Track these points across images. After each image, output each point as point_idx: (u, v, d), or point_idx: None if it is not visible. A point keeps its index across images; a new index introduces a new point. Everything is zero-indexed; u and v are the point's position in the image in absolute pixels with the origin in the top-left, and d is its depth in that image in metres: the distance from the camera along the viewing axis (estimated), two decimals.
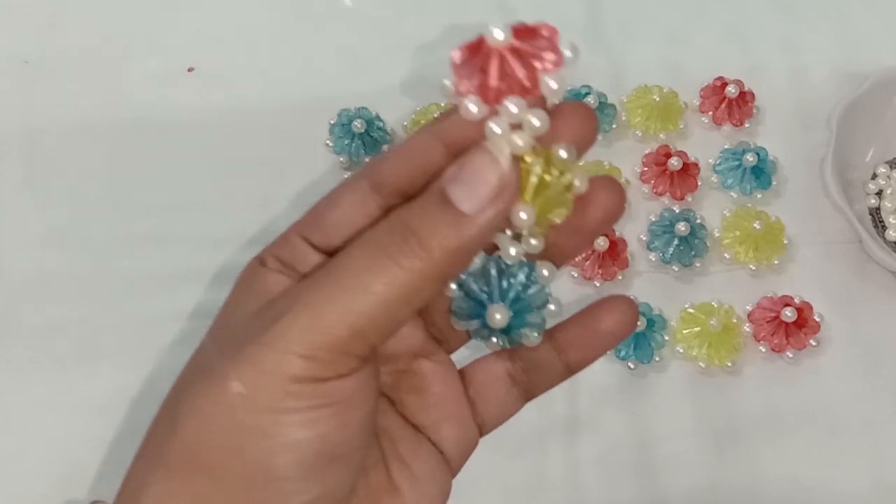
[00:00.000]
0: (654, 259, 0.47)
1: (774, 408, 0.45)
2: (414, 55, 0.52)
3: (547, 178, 0.27)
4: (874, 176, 0.49)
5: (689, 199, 0.48)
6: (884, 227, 0.48)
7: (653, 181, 0.49)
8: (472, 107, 0.26)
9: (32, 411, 0.45)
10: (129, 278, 0.47)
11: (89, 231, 0.48)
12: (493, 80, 0.27)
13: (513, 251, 0.28)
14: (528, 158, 0.26)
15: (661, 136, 0.50)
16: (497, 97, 0.26)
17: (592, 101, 0.49)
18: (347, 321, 0.25)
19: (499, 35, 0.27)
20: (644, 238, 0.48)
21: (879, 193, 0.49)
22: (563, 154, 0.27)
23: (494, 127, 0.26)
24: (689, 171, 0.48)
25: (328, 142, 0.50)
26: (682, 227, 0.46)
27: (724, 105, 0.50)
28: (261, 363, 0.25)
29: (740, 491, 0.43)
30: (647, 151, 0.49)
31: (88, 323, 0.46)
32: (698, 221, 0.47)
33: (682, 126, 0.50)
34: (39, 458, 0.44)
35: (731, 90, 0.49)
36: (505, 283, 0.28)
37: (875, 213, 0.48)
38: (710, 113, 0.50)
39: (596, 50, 0.52)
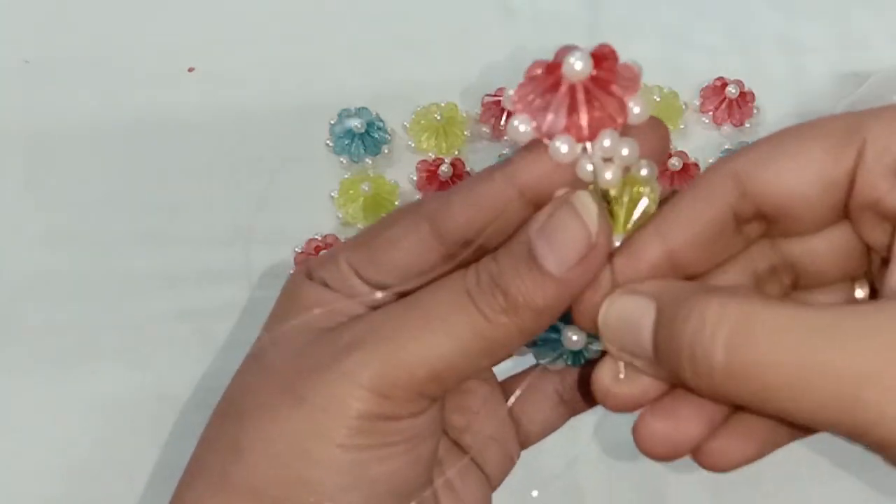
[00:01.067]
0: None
1: None
2: (414, 55, 0.52)
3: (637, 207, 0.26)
4: None
5: None
6: None
7: None
8: (564, 147, 0.25)
9: (32, 411, 0.45)
10: (129, 278, 0.47)
11: (89, 231, 0.48)
12: (585, 117, 0.25)
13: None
14: (613, 192, 0.26)
15: None
16: (592, 134, 0.25)
17: None
18: (429, 363, 0.25)
19: (578, 65, 0.25)
20: None
21: None
22: (644, 172, 0.26)
23: (587, 166, 0.25)
24: (689, 171, 0.48)
25: (328, 142, 0.50)
26: None
27: (724, 105, 0.50)
28: (334, 395, 0.25)
29: (740, 491, 0.43)
30: None
31: (88, 323, 0.46)
32: None
33: (682, 126, 0.50)
34: (39, 458, 0.44)
35: (731, 90, 0.49)
36: None
37: None
38: (711, 113, 0.50)
39: None
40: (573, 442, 0.44)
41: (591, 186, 0.26)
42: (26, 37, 0.53)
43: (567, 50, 0.25)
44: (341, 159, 0.49)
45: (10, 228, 0.49)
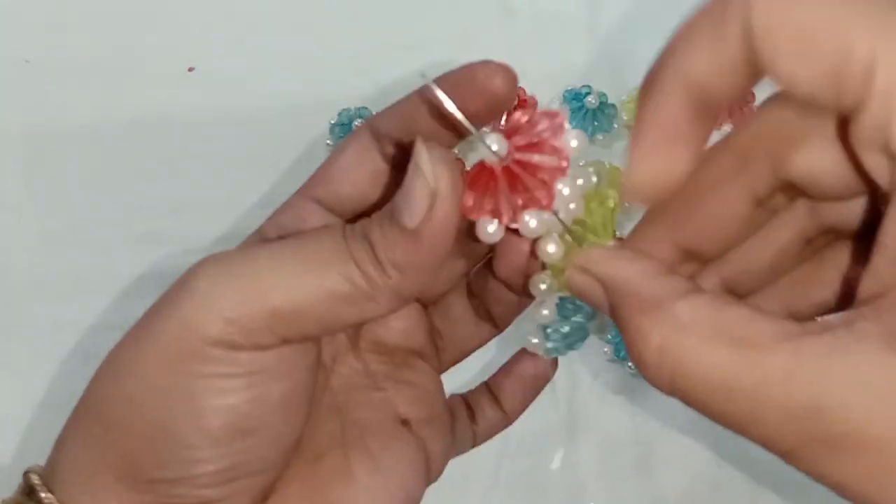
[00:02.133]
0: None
1: None
2: (414, 55, 0.52)
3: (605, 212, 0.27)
4: None
5: None
6: None
7: None
8: (490, 227, 0.26)
9: (32, 411, 0.45)
10: (129, 278, 0.47)
11: (89, 231, 0.48)
12: (505, 207, 0.26)
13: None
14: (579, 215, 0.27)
15: None
16: (514, 218, 0.26)
17: (592, 101, 0.49)
18: (287, 295, 0.25)
19: (496, 147, 0.25)
20: None
21: None
22: (593, 180, 0.28)
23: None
24: None
25: (328, 142, 0.50)
26: None
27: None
28: (185, 316, 0.25)
29: (740, 490, 0.43)
30: None
31: (88, 323, 0.46)
32: None
33: None
34: (39, 457, 0.44)
35: None
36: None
37: None
38: None
39: (596, 49, 0.52)
40: (573, 441, 0.44)
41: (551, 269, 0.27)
42: (26, 37, 0.53)
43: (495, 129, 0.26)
44: None
45: (10, 228, 0.49)
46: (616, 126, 0.50)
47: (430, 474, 0.31)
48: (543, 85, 0.51)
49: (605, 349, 0.45)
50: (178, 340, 0.25)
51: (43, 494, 0.26)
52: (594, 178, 0.27)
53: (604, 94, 0.50)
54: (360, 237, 0.25)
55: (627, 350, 0.24)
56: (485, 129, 0.26)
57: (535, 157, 0.26)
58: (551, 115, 0.26)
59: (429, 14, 0.53)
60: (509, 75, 0.27)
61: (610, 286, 0.24)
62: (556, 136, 0.26)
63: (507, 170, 0.26)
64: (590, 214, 0.27)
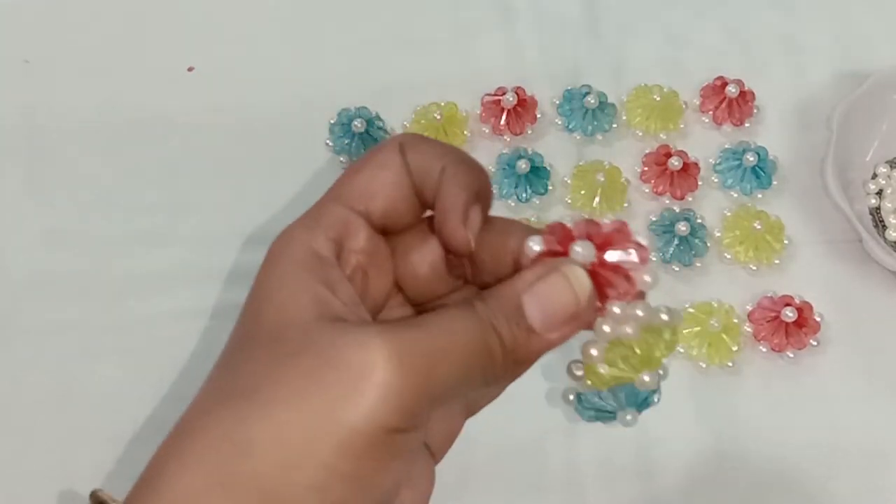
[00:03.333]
0: (654, 259, 0.47)
1: (774, 408, 0.45)
2: (414, 55, 0.52)
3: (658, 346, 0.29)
4: (874, 176, 0.49)
5: (690, 199, 0.48)
6: (884, 227, 0.48)
7: (653, 181, 0.49)
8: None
9: (32, 411, 0.45)
10: (129, 278, 0.47)
11: (89, 231, 0.48)
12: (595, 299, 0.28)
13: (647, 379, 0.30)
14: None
15: (661, 135, 0.50)
16: (603, 305, 0.28)
17: (592, 101, 0.49)
18: (449, 385, 0.26)
19: (580, 254, 0.28)
20: (644, 238, 0.48)
21: (879, 193, 0.49)
22: (665, 318, 0.29)
23: (604, 327, 0.28)
24: (689, 170, 0.48)
25: (328, 142, 0.50)
26: (682, 227, 0.46)
27: (724, 105, 0.50)
28: (362, 410, 0.25)
29: (740, 491, 0.43)
30: (647, 151, 0.49)
31: (88, 323, 0.46)
32: (698, 221, 0.47)
33: (682, 126, 0.50)
34: (40, 457, 0.44)
35: (731, 90, 0.49)
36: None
37: (875, 213, 0.48)
38: (711, 112, 0.50)
39: (596, 49, 0.52)
40: (573, 441, 0.44)
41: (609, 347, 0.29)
42: (26, 37, 0.53)
43: (574, 230, 0.28)
44: (341, 159, 0.49)
45: (10, 228, 0.49)
46: (615, 126, 0.50)
47: (437, 458, 0.32)
48: (543, 85, 0.51)
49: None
50: (365, 432, 0.25)
51: None
52: (665, 316, 0.29)
53: (604, 94, 0.50)
54: (490, 326, 0.27)
55: None
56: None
57: (617, 256, 0.28)
58: (639, 246, 0.29)
59: (429, 14, 0.53)
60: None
61: None
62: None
63: (593, 272, 0.28)
64: (646, 346, 0.29)
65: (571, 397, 0.31)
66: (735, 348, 0.45)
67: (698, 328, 0.45)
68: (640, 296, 0.29)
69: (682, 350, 0.45)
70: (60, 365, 0.46)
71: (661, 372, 0.30)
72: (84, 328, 0.46)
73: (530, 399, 0.45)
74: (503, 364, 0.27)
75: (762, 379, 0.45)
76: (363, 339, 0.25)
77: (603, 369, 0.29)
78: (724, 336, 0.45)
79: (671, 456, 0.44)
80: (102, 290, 0.47)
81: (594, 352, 0.29)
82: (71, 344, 0.46)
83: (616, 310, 0.28)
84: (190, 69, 0.52)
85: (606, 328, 0.28)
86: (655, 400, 0.31)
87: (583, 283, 0.27)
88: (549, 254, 0.28)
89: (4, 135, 0.50)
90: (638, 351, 0.29)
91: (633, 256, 0.28)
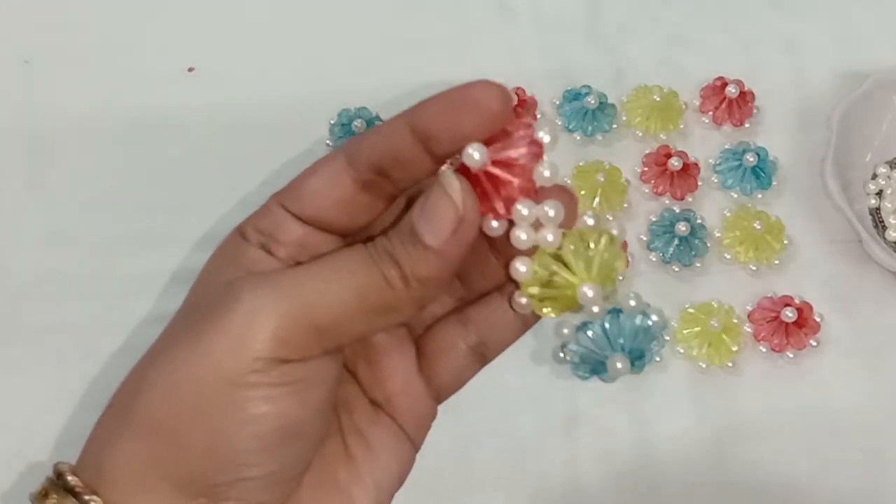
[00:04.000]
0: (654, 259, 0.47)
1: (774, 408, 0.45)
2: (414, 55, 0.52)
3: (590, 252, 0.28)
4: (874, 176, 0.49)
5: (690, 199, 0.48)
6: (884, 227, 0.48)
7: (653, 181, 0.49)
8: (493, 223, 0.28)
9: (32, 411, 0.45)
10: (129, 278, 0.47)
11: (89, 231, 0.48)
12: (498, 200, 0.28)
13: (632, 303, 0.29)
14: (570, 244, 0.28)
15: (661, 136, 0.50)
16: (508, 210, 0.28)
17: (592, 101, 0.49)
18: (331, 312, 0.27)
19: (475, 154, 0.27)
20: (644, 238, 0.48)
21: (879, 193, 0.49)
22: (589, 222, 0.29)
23: (521, 235, 0.28)
24: (689, 171, 0.48)
25: (328, 142, 0.50)
26: (682, 227, 0.46)
27: (724, 105, 0.50)
28: (235, 335, 0.27)
29: (740, 491, 0.43)
30: (647, 151, 0.49)
31: (88, 323, 0.46)
32: (698, 221, 0.47)
33: (682, 126, 0.50)
34: (40, 457, 0.44)
35: (731, 90, 0.49)
36: (621, 337, 0.30)
37: (875, 213, 0.48)
38: (711, 113, 0.50)
39: (596, 50, 0.52)
40: (573, 442, 0.44)
41: (538, 251, 0.28)
42: (26, 37, 0.53)
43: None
44: None
45: (11, 228, 0.49)
46: (615, 126, 0.50)
47: (415, 441, 0.32)
48: (543, 85, 0.51)
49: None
50: (233, 358, 0.26)
51: (87, 497, 0.27)
52: (590, 220, 0.29)
53: (604, 94, 0.50)
54: (386, 255, 0.28)
55: None
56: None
57: (511, 153, 0.28)
58: (525, 126, 0.28)
59: (429, 14, 0.53)
60: (504, 95, 0.28)
61: None
62: (528, 139, 0.28)
63: (486, 173, 0.28)
64: (573, 252, 0.28)
65: (562, 355, 0.30)
66: (735, 348, 0.45)
67: (698, 328, 0.45)
68: (569, 202, 0.29)
69: (681, 350, 0.45)
70: (60, 365, 0.46)
71: (604, 290, 0.29)
72: (84, 328, 0.46)
73: (530, 399, 0.45)
74: (407, 288, 0.28)
75: (762, 379, 0.45)
76: (235, 283, 0.28)
77: (532, 289, 0.28)
78: (724, 336, 0.45)
79: (671, 456, 0.44)
80: (102, 290, 0.47)
81: (521, 267, 0.28)
82: (71, 344, 0.46)
83: (523, 210, 0.28)
84: (190, 69, 0.52)
85: (522, 235, 0.28)
86: (654, 349, 0.30)
87: (454, 185, 0.27)
88: (460, 169, 0.28)
89: (4, 135, 0.50)
90: (568, 258, 0.28)
91: (525, 150, 0.28)
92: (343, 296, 0.27)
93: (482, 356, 0.32)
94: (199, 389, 0.27)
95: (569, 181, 0.48)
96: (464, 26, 0.53)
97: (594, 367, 0.30)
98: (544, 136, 0.28)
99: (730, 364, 0.45)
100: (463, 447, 0.44)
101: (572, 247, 0.28)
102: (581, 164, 0.49)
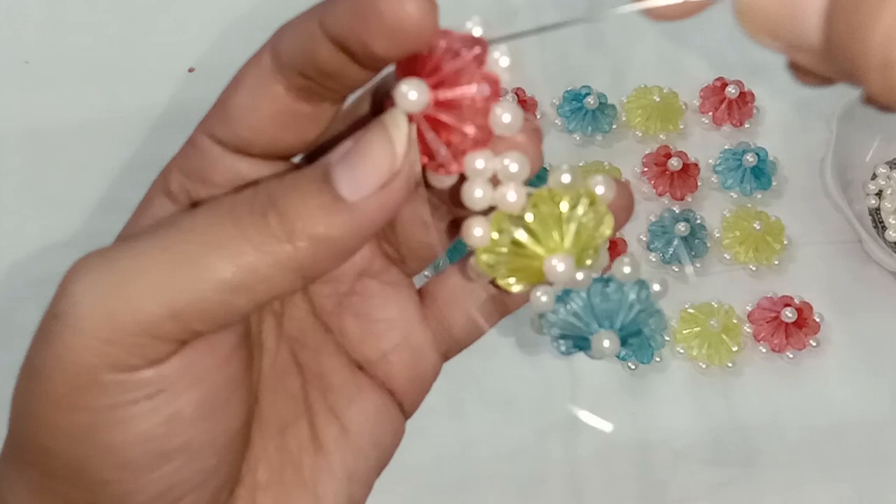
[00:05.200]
0: (654, 259, 0.47)
1: (774, 408, 0.45)
2: None
3: (564, 216, 0.23)
4: (874, 176, 0.49)
5: (689, 200, 0.48)
6: (884, 227, 0.48)
7: (653, 181, 0.49)
8: (446, 180, 0.23)
9: None
10: None
11: (89, 231, 0.48)
12: (441, 149, 0.22)
13: (626, 269, 0.24)
14: (561, 205, 0.23)
15: (661, 136, 0.50)
16: (459, 162, 0.23)
17: (592, 102, 0.49)
18: (163, 300, 0.20)
19: (410, 94, 0.21)
20: (644, 238, 0.48)
21: (879, 193, 0.49)
22: (565, 180, 0.23)
23: (475, 192, 0.22)
24: (689, 171, 0.48)
25: None
26: (682, 228, 0.46)
27: (724, 105, 0.50)
28: (52, 347, 0.22)
29: (740, 490, 0.43)
30: (647, 152, 0.49)
31: None
32: (698, 222, 0.47)
33: (682, 126, 0.50)
34: None
35: (731, 90, 0.49)
36: (611, 306, 0.24)
37: (875, 213, 0.48)
38: (710, 113, 0.50)
39: (596, 50, 0.52)
40: (573, 441, 0.44)
41: (494, 214, 0.23)
42: (26, 37, 0.53)
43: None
44: None
45: (11, 228, 0.49)
46: (615, 126, 0.50)
47: (405, 409, 0.27)
48: (543, 85, 0.51)
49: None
50: (61, 376, 0.21)
51: None
52: (566, 176, 0.23)
53: (603, 95, 0.50)
54: (262, 208, 0.21)
55: (863, 29, 0.17)
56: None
57: (458, 91, 0.22)
58: (470, 42, 0.23)
59: None
60: (422, 3, 0.21)
61: None
62: (480, 63, 0.22)
63: (430, 117, 0.22)
64: (541, 215, 0.23)
65: (546, 331, 0.24)
66: (735, 349, 0.45)
67: (698, 328, 0.45)
68: (535, 153, 0.23)
69: (681, 350, 0.45)
70: None
71: (580, 261, 0.23)
72: None
73: (530, 399, 0.45)
74: (291, 247, 0.21)
75: (762, 379, 0.45)
76: (68, 273, 0.22)
77: (488, 257, 0.23)
78: (724, 336, 0.45)
79: (671, 456, 0.44)
80: None
81: (476, 230, 0.23)
82: None
83: (477, 163, 0.22)
84: (190, 69, 0.52)
85: (476, 192, 0.22)
86: (653, 326, 0.24)
87: (399, 127, 0.21)
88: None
89: (4, 135, 0.50)
90: (534, 225, 0.23)
91: (477, 89, 0.22)
92: (181, 276, 0.21)
93: (504, 305, 0.27)
94: (41, 420, 0.22)
95: None
96: (464, 27, 0.53)
97: (577, 342, 0.24)
98: (501, 60, 0.23)
99: (730, 364, 0.45)
100: (463, 447, 0.44)
101: (540, 209, 0.23)
102: (581, 164, 0.49)
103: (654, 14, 0.23)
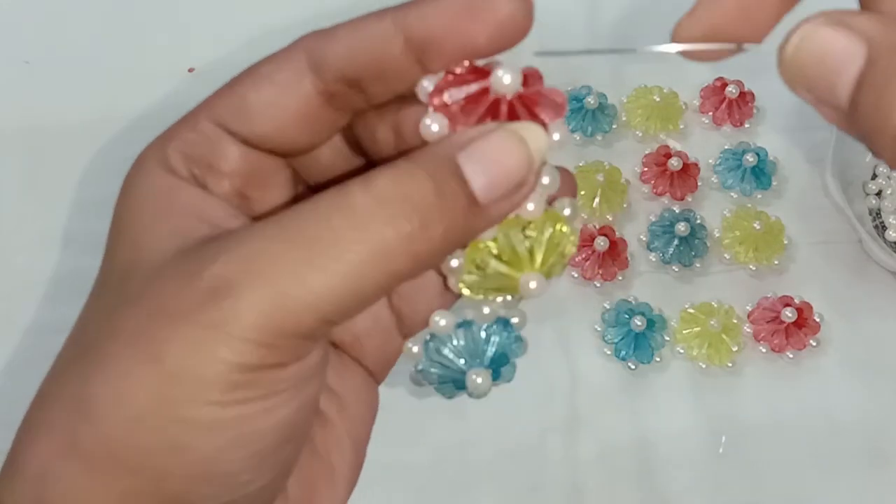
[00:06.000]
0: (654, 259, 0.47)
1: (774, 408, 0.45)
2: None
3: (531, 241, 0.25)
4: (874, 176, 0.49)
5: (689, 200, 0.48)
6: (884, 227, 0.48)
7: (653, 181, 0.49)
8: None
9: None
10: None
11: (89, 231, 0.48)
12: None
13: (486, 311, 0.26)
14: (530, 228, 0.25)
15: (661, 136, 0.50)
16: None
17: (592, 102, 0.49)
18: (317, 310, 0.21)
19: (507, 79, 0.23)
20: (644, 238, 0.48)
21: (879, 193, 0.49)
22: (567, 212, 0.25)
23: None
24: (689, 171, 0.48)
25: None
26: (682, 228, 0.46)
27: (724, 105, 0.50)
28: (204, 350, 0.21)
29: (740, 491, 0.43)
30: (647, 152, 0.49)
31: None
32: (698, 222, 0.47)
33: (682, 126, 0.50)
34: None
35: (731, 90, 0.49)
36: (483, 346, 0.26)
37: (875, 213, 0.48)
38: (710, 113, 0.50)
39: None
40: (572, 441, 0.44)
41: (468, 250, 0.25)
42: (26, 37, 0.53)
43: (497, 63, 0.24)
44: None
45: (10, 228, 0.49)
46: (615, 126, 0.50)
47: (378, 379, 0.28)
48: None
49: (606, 350, 0.45)
50: (218, 376, 0.21)
51: None
52: (568, 209, 0.25)
53: (604, 95, 0.50)
54: (398, 208, 0.21)
55: (882, 114, 0.20)
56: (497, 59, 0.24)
57: (538, 98, 0.24)
58: (554, 94, 0.25)
59: None
60: (527, 3, 0.23)
61: (878, 39, 0.20)
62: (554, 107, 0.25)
63: (511, 104, 0.23)
64: (538, 235, 0.25)
65: (419, 377, 0.26)
66: (735, 349, 0.45)
67: (698, 328, 0.45)
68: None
69: (681, 350, 0.45)
70: None
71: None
72: None
73: (530, 399, 0.45)
74: (437, 245, 0.22)
75: (762, 379, 0.45)
76: (217, 255, 0.21)
77: (469, 280, 0.25)
78: (724, 336, 0.45)
79: (671, 456, 0.44)
80: None
81: (453, 262, 0.25)
82: None
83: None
84: (190, 69, 0.52)
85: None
86: (517, 351, 0.27)
87: (537, 135, 0.22)
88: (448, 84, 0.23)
89: (4, 135, 0.50)
90: (506, 251, 0.24)
91: (549, 105, 0.24)
92: (333, 282, 0.21)
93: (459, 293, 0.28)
94: (176, 417, 0.21)
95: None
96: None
97: (456, 384, 0.26)
98: (554, 135, 0.24)
99: (730, 364, 0.45)
100: (462, 447, 0.44)
101: (509, 237, 0.24)
102: (581, 164, 0.49)
103: (692, 56, 0.27)
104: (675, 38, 0.24)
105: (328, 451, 0.26)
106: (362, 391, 0.27)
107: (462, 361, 0.26)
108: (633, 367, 0.45)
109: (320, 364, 0.23)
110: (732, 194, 0.49)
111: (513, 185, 0.22)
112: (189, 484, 0.22)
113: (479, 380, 0.26)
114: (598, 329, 0.45)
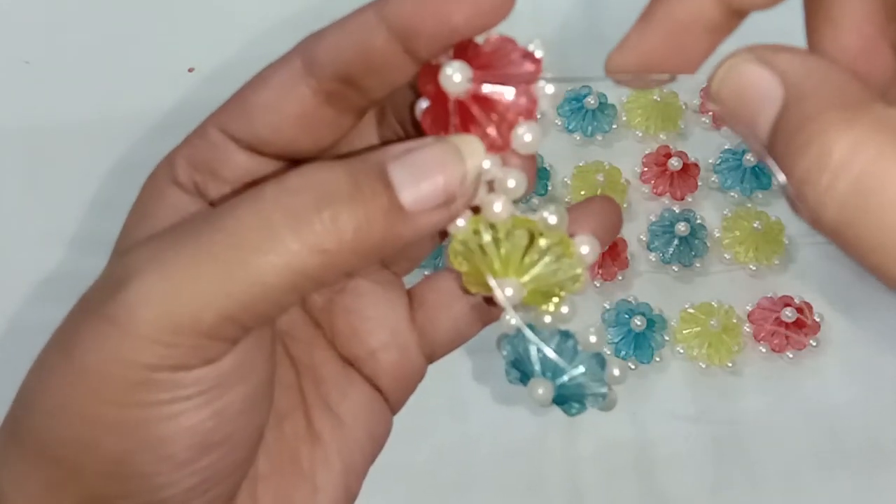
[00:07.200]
0: (654, 259, 0.47)
1: (774, 408, 0.45)
2: None
3: (548, 268, 0.24)
4: None
5: (689, 200, 0.48)
6: None
7: (653, 181, 0.49)
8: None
9: None
10: None
11: (89, 231, 0.48)
12: (487, 126, 0.23)
13: (592, 339, 0.25)
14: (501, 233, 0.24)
15: (661, 136, 0.50)
16: (505, 138, 0.23)
17: (592, 102, 0.49)
18: (217, 306, 0.21)
19: (456, 77, 0.22)
20: (644, 238, 0.48)
21: None
22: (551, 220, 0.24)
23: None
24: (689, 171, 0.48)
25: None
26: (682, 228, 0.46)
27: None
28: (108, 345, 0.21)
29: (740, 491, 0.43)
30: (647, 152, 0.49)
31: None
32: (698, 222, 0.47)
33: (682, 126, 0.50)
34: None
35: None
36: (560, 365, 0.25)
37: None
38: (711, 113, 0.50)
39: (596, 50, 0.52)
40: (573, 442, 0.44)
41: (478, 216, 0.24)
42: (26, 37, 0.53)
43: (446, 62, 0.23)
44: None
45: (10, 228, 0.49)
46: (615, 126, 0.50)
47: (394, 405, 0.28)
48: None
49: (606, 350, 0.45)
50: (117, 374, 0.21)
51: None
52: (554, 217, 0.24)
53: (604, 95, 0.50)
54: (314, 204, 0.21)
55: (789, 161, 0.20)
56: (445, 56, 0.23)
57: (498, 92, 0.23)
58: (529, 56, 0.23)
59: None
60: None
61: (795, 81, 0.20)
62: (529, 78, 0.23)
63: (461, 103, 0.22)
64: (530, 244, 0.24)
65: (501, 352, 0.25)
66: (735, 349, 0.45)
67: (698, 328, 0.45)
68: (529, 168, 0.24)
69: (681, 350, 0.45)
70: None
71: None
72: None
73: (530, 399, 0.45)
74: (348, 244, 0.21)
75: (762, 379, 0.45)
76: (119, 266, 0.22)
77: (458, 245, 0.23)
78: (724, 336, 0.45)
79: (671, 456, 0.44)
80: None
81: (460, 221, 0.24)
82: None
83: (485, 163, 0.23)
84: (190, 69, 0.52)
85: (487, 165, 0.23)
86: (590, 402, 0.26)
87: (474, 146, 0.22)
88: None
89: (5, 134, 0.50)
90: (490, 250, 0.23)
91: (515, 98, 0.22)
92: (234, 281, 0.21)
93: (488, 314, 0.28)
94: (83, 413, 0.21)
95: (568, 181, 0.48)
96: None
97: (523, 377, 0.25)
98: (546, 88, 0.24)
99: (730, 364, 0.45)
100: (463, 447, 0.44)
101: (514, 233, 0.24)
102: (581, 164, 0.49)
103: (629, 84, 0.27)
104: (607, 69, 0.25)
105: (313, 470, 0.26)
106: (366, 414, 0.27)
107: (538, 367, 0.25)
108: (633, 366, 0.45)
109: (243, 372, 0.23)
110: (732, 194, 0.49)
111: (443, 197, 0.22)
112: (103, 480, 0.22)
113: (540, 391, 0.25)
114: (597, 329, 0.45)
